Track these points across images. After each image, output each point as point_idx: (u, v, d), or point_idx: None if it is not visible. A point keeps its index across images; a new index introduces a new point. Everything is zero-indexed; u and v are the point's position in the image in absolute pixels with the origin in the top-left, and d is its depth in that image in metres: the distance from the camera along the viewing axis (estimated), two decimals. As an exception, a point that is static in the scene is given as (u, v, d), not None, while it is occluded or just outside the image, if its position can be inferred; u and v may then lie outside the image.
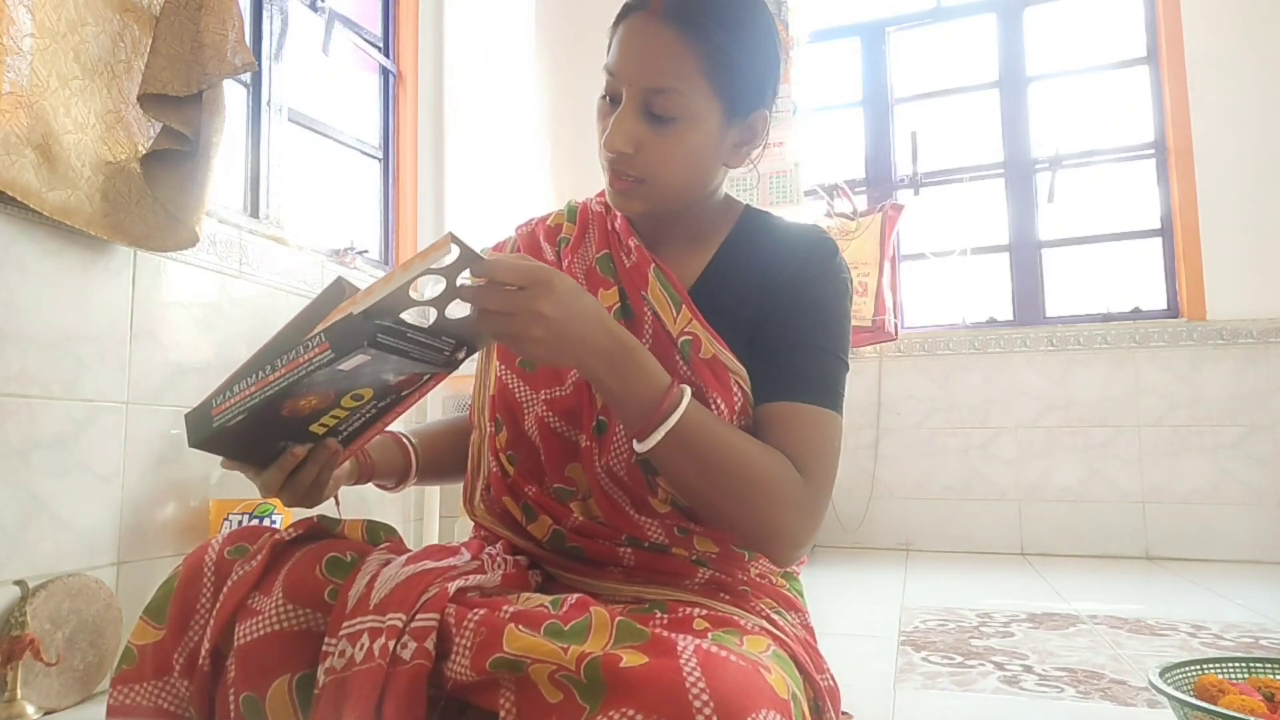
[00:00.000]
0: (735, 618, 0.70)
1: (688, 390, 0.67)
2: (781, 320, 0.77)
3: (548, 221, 0.92)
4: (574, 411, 0.79)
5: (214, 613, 0.66)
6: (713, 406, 0.73)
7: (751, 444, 0.71)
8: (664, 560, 0.76)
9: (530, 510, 0.80)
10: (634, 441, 0.67)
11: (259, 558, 0.68)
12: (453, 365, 0.67)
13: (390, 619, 0.59)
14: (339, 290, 0.64)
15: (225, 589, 0.67)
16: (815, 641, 0.80)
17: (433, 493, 2.35)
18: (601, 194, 0.90)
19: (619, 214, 0.85)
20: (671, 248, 0.84)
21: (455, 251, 0.57)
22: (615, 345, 0.65)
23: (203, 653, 0.65)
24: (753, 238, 0.84)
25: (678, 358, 0.76)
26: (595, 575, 0.76)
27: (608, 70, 0.77)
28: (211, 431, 0.63)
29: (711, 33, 0.72)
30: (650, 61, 0.73)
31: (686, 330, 0.76)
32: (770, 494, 0.69)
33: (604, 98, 0.78)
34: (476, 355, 0.83)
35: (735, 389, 0.75)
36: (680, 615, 0.68)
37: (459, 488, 0.91)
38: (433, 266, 0.58)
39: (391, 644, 0.58)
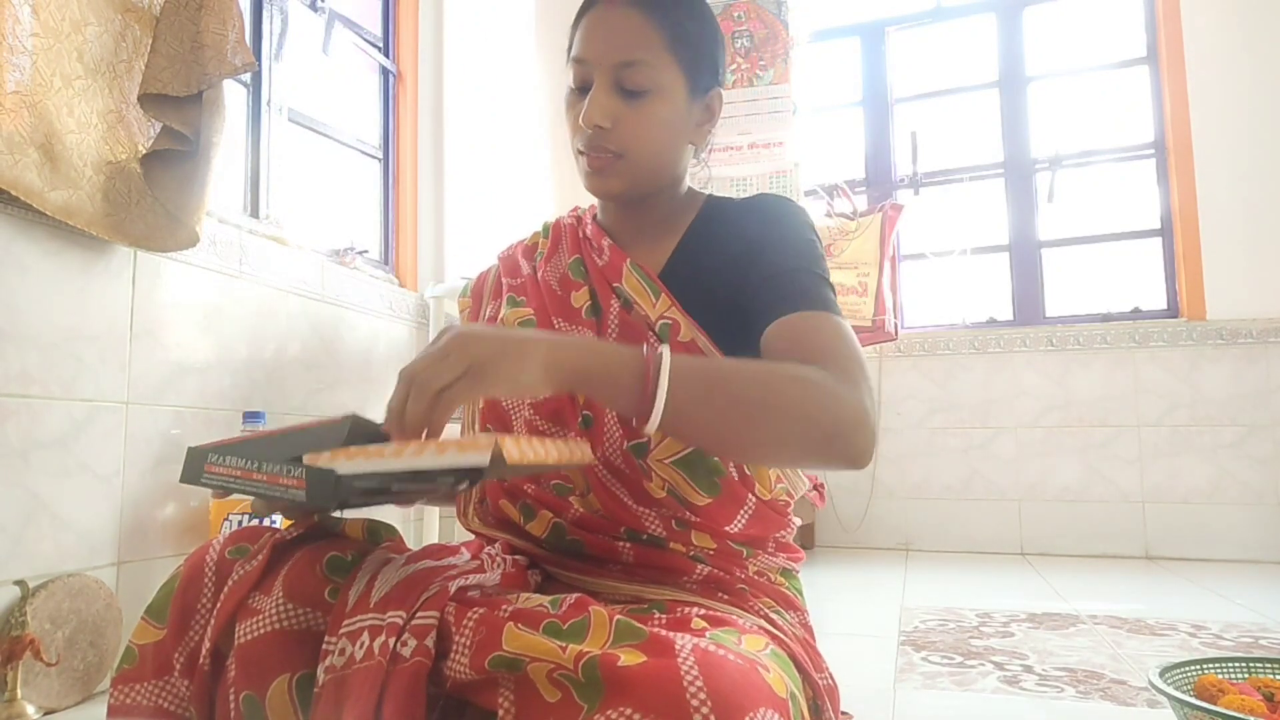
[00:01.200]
0: (733, 617, 0.70)
1: (665, 346, 0.65)
2: (759, 266, 0.78)
3: (525, 242, 0.96)
4: (559, 412, 0.80)
5: (214, 612, 0.67)
6: None
7: (754, 362, 0.68)
8: (662, 556, 0.76)
9: (529, 509, 0.80)
10: (642, 424, 0.63)
11: (259, 557, 0.68)
12: (451, 498, 0.67)
13: (390, 617, 0.59)
14: (340, 430, 0.62)
15: (226, 589, 0.67)
16: (814, 641, 0.80)
17: (433, 493, 2.35)
18: (574, 209, 0.93)
19: (589, 221, 0.89)
20: (639, 240, 0.87)
21: (486, 458, 0.55)
22: (565, 337, 0.65)
23: (203, 652, 0.65)
24: (713, 219, 0.87)
25: (653, 341, 0.78)
26: (594, 573, 0.76)
27: (574, 60, 0.80)
28: (200, 483, 0.66)
29: (670, 10, 0.78)
30: (617, 39, 0.77)
31: (666, 315, 0.78)
32: (804, 392, 0.64)
33: (572, 90, 0.81)
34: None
35: None
36: (679, 615, 0.68)
37: None
38: (463, 465, 0.56)
39: (391, 642, 0.58)
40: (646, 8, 0.77)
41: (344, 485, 0.57)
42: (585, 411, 0.79)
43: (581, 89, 0.80)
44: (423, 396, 0.58)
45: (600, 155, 0.79)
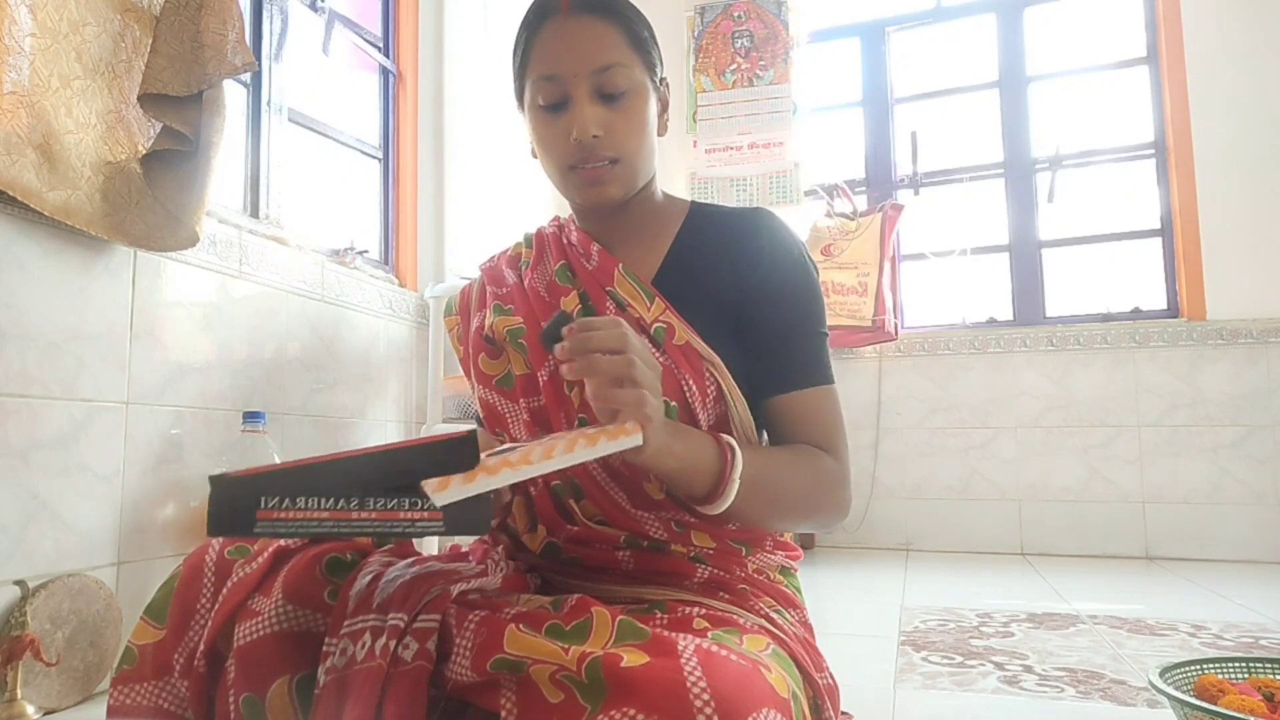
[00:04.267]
0: (734, 617, 0.70)
1: (733, 440, 0.70)
2: (769, 315, 0.82)
3: (508, 252, 0.96)
4: (553, 418, 0.80)
5: (213, 613, 0.66)
6: (685, 388, 0.76)
7: (795, 458, 0.77)
8: (663, 560, 0.76)
9: (533, 519, 0.80)
10: (706, 508, 0.70)
11: (261, 559, 0.68)
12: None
13: (392, 619, 0.59)
14: (468, 448, 0.54)
15: (225, 589, 0.67)
16: (814, 639, 0.80)
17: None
18: (554, 219, 0.94)
19: (572, 228, 0.89)
20: (627, 246, 0.87)
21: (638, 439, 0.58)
22: (677, 429, 0.68)
23: (198, 653, 0.65)
24: (703, 229, 0.88)
25: (647, 343, 0.77)
26: (594, 579, 0.76)
27: (543, 77, 0.79)
28: (253, 534, 0.53)
29: (621, 11, 0.81)
30: (588, 47, 0.78)
31: (660, 319, 0.79)
32: (826, 495, 0.78)
33: (542, 108, 0.80)
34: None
35: (707, 375, 0.78)
36: (680, 615, 0.68)
37: None
38: (611, 452, 0.57)
39: (393, 644, 0.58)
40: (602, 13, 0.79)
41: (488, 508, 0.52)
42: (581, 415, 0.79)
43: (553, 106, 0.79)
44: (602, 369, 0.62)
45: (598, 165, 0.79)
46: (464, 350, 0.92)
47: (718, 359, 0.78)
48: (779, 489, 0.73)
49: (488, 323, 0.88)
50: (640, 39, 0.82)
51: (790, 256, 0.84)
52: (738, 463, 0.68)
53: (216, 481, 0.53)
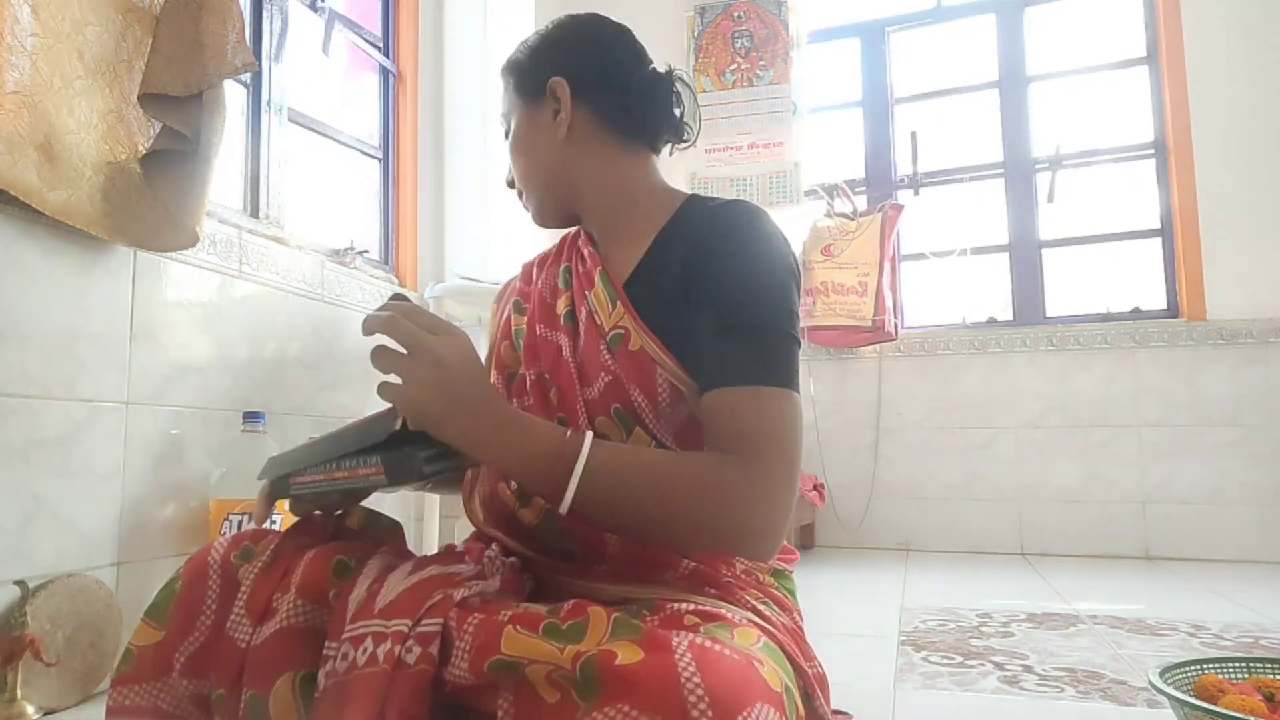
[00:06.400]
0: (723, 611, 0.70)
1: (589, 434, 0.68)
2: (713, 302, 0.76)
3: (544, 251, 1.00)
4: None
5: (218, 612, 0.67)
6: (632, 396, 0.76)
7: (669, 458, 0.72)
8: (647, 549, 0.76)
9: (524, 494, 0.80)
10: (555, 504, 0.68)
11: (264, 558, 0.69)
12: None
13: (395, 625, 0.59)
14: (389, 419, 0.68)
15: (240, 593, 0.67)
16: (803, 634, 0.79)
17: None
18: None
19: (583, 230, 0.93)
20: (615, 246, 0.88)
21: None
22: (503, 413, 0.68)
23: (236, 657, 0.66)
24: (683, 223, 0.85)
25: (603, 349, 0.78)
26: (583, 574, 0.76)
27: None
28: (290, 495, 0.78)
29: (511, 59, 0.92)
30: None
31: (619, 324, 0.79)
32: (706, 499, 0.69)
33: None
34: None
35: (660, 381, 0.76)
36: (669, 612, 0.68)
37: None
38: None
39: (397, 649, 0.58)
40: (502, 73, 0.93)
41: (417, 461, 0.65)
42: (561, 414, 0.80)
43: None
44: (384, 359, 0.65)
45: (521, 201, 0.93)
46: (492, 332, 0.98)
47: (670, 361, 0.76)
48: (645, 492, 0.67)
49: (510, 317, 0.93)
50: (515, 71, 0.90)
51: (753, 245, 0.77)
52: (581, 457, 0.65)
53: (269, 466, 0.79)
